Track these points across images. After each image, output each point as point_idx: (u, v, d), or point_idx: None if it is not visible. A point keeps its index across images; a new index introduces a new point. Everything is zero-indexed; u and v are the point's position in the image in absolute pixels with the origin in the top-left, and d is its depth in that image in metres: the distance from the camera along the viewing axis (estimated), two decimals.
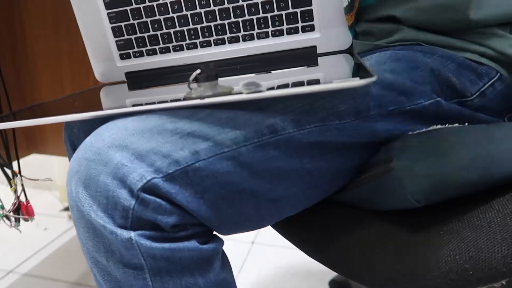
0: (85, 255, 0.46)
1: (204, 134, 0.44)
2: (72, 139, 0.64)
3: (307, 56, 0.60)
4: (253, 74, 0.56)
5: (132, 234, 0.41)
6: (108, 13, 0.61)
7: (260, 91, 0.39)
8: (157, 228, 0.42)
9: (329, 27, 0.58)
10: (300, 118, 0.45)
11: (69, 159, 0.67)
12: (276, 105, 0.45)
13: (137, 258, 0.42)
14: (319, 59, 0.59)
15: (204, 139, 0.43)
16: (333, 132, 0.47)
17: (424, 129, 0.52)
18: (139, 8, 0.60)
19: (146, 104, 0.45)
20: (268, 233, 0.56)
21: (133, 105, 0.47)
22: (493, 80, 0.54)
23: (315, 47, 0.60)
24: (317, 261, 0.57)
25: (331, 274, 1.13)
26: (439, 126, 0.52)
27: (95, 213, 0.41)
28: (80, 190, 0.42)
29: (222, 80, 0.43)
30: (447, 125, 0.52)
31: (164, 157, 0.42)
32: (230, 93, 0.42)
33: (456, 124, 0.52)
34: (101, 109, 0.52)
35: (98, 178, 0.41)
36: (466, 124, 0.52)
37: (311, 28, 0.59)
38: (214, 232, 0.49)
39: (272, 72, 0.57)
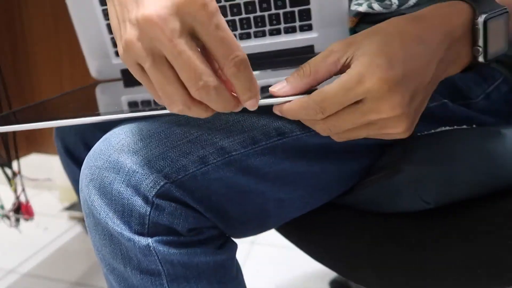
0: (100, 262, 0.46)
1: (211, 137, 0.44)
2: (63, 137, 0.64)
3: (304, 56, 0.59)
4: (258, 72, 0.56)
5: (150, 240, 0.41)
6: (103, 10, 0.60)
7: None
8: (174, 233, 0.42)
9: (327, 26, 0.58)
10: None
11: (60, 158, 0.67)
12: None
13: (154, 264, 0.42)
14: None
15: (212, 142, 0.43)
16: None
17: (432, 131, 0.52)
18: None
19: (146, 110, 0.45)
20: (268, 233, 0.56)
21: (131, 111, 0.47)
22: (497, 82, 0.53)
23: (312, 46, 0.59)
24: (322, 264, 0.57)
25: (331, 274, 1.13)
26: (447, 128, 0.52)
27: (112, 220, 0.42)
28: (95, 198, 0.42)
29: None
30: (455, 127, 0.52)
31: (173, 162, 0.42)
32: None
33: (464, 126, 0.52)
34: (97, 109, 0.52)
35: (112, 187, 0.41)
36: (474, 126, 0.52)
37: (309, 28, 0.58)
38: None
39: (269, 71, 0.56)
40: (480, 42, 0.40)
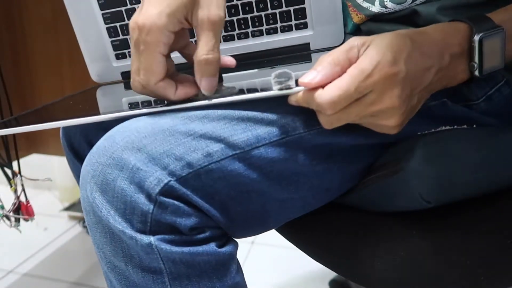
0: (100, 260, 0.46)
1: (216, 135, 0.43)
2: (69, 135, 0.64)
3: (300, 53, 0.60)
4: (257, 70, 0.56)
5: (152, 238, 0.41)
6: (102, 14, 0.61)
7: (290, 87, 0.42)
8: (176, 231, 0.42)
9: (322, 24, 0.59)
10: (309, 117, 0.45)
11: (66, 156, 0.67)
12: (287, 104, 0.45)
13: (156, 262, 0.42)
14: (313, 55, 0.59)
15: (217, 140, 0.43)
16: (342, 132, 0.47)
17: (432, 130, 0.52)
18: (134, 8, 0.60)
19: (154, 106, 0.46)
20: (268, 233, 0.56)
21: (130, 107, 0.47)
22: (499, 84, 0.53)
23: (308, 44, 0.60)
24: (322, 264, 0.56)
25: (331, 274, 1.13)
26: (447, 127, 0.52)
27: (113, 218, 0.41)
28: (96, 195, 0.42)
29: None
30: (455, 126, 0.52)
31: (177, 159, 0.42)
32: (235, 94, 0.43)
33: (465, 126, 0.52)
34: (99, 112, 0.53)
35: (115, 184, 0.41)
36: (474, 126, 0.52)
37: (304, 26, 0.59)
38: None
39: (268, 68, 0.57)
40: (476, 58, 0.45)
